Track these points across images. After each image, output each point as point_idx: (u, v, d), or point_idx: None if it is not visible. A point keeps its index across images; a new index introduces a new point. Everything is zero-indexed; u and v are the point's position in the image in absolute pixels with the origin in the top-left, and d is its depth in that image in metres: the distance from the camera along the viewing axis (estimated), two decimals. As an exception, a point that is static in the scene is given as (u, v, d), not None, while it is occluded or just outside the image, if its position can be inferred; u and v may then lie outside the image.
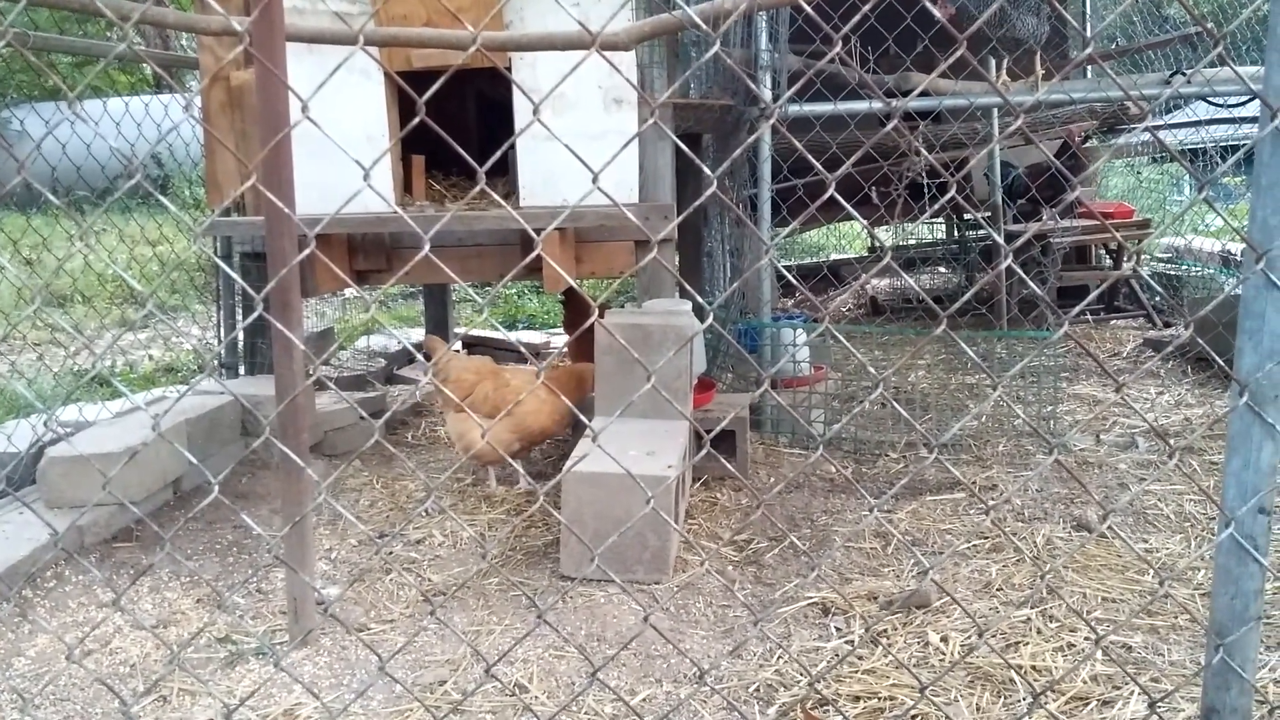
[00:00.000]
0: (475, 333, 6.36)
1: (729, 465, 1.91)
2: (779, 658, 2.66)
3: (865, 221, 1.81)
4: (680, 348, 3.65)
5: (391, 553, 3.39)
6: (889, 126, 1.69)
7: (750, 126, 4.80)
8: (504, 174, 4.70)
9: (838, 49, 1.55)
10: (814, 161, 1.88)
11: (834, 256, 10.67)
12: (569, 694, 2.49)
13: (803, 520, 3.67)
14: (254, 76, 3.76)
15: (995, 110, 6.14)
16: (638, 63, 4.54)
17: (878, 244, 10.20)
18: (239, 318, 5.02)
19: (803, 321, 6.02)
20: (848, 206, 1.57)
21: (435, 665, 2.66)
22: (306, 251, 1.67)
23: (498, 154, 1.68)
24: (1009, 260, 1.39)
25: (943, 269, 9.28)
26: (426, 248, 1.47)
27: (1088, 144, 7.78)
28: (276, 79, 2.51)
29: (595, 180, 1.47)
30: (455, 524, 3.58)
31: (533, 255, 1.64)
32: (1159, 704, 1.59)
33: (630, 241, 4.38)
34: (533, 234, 1.49)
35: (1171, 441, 4.40)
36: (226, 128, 4.49)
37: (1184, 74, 5.59)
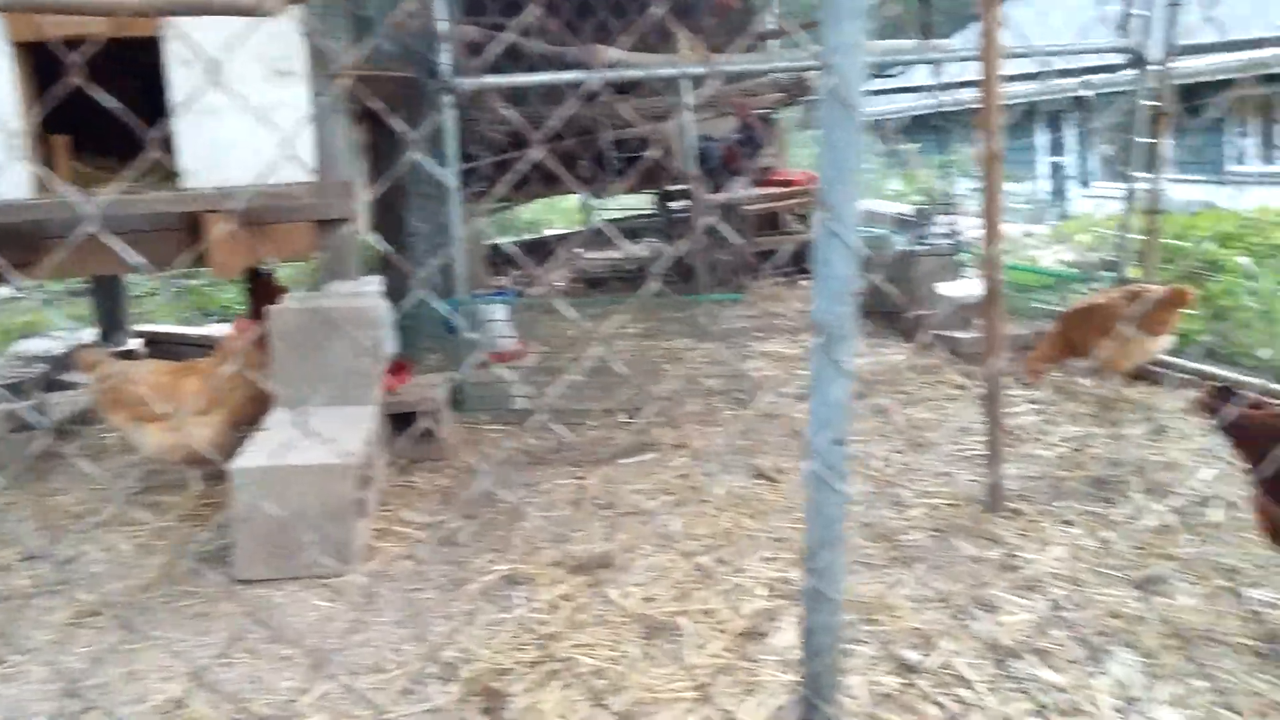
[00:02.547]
0: (151, 328, 5.88)
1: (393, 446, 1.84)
2: (463, 635, 2.63)
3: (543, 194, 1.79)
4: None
5: (36, 575, 3.06)
6: (565, 106, 1.67)
7: (433, 101, 4.69)
8: (168, 152, 4.34)
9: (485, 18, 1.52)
10: (500, 136, 1.84)
11: (547, 232, 10.75)
12: (234, 703, 2.35)
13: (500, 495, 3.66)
14: None
15: (686, 83, 6.37)
16: (308, 32, 4.30)
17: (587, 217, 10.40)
18: None
19: (509, 298, 6.01)
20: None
21: (86, 690, 2.43)
22: None
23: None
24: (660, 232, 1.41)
25: (653, 239, 9.58)
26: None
27: (775, 115, 8.26)
28: None
29: (179, 149, 1.35)
30: (115, 537, 3.29)
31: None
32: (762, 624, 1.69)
33: (311, 222, 4.17)
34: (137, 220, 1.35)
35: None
36: None
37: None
